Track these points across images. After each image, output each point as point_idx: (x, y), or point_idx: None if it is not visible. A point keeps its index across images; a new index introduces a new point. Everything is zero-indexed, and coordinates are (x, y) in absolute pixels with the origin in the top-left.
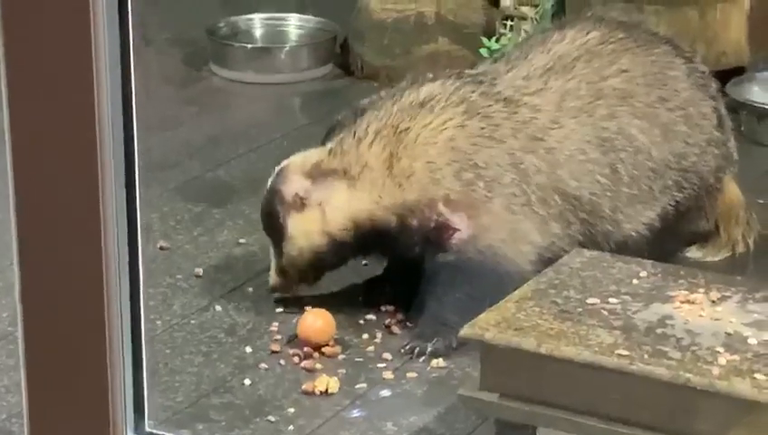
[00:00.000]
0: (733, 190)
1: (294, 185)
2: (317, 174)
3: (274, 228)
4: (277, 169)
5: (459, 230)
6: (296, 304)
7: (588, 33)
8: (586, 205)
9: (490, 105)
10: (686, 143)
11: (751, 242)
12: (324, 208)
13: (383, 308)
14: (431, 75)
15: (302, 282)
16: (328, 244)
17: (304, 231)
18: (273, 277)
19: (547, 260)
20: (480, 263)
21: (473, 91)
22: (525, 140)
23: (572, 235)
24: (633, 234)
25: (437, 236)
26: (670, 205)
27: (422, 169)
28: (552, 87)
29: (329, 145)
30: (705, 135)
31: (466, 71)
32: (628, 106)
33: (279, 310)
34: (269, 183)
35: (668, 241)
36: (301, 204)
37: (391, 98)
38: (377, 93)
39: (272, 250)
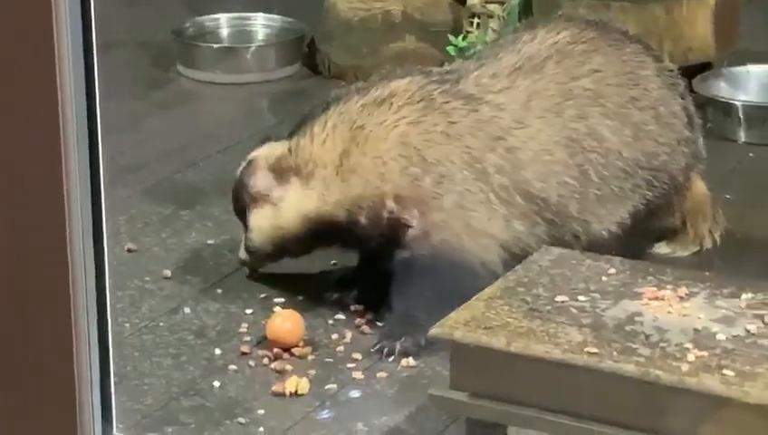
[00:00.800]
0: (700, 187)
1: (258, 180)
2: (278, 170)
3: (241, 214)
4: (247, 158)
5: (412, 227)
6: (266, 281)
7: (558, 33)
8: (553, 206)
9: (449, 102)
10: (656, 142)
11: (717, 237)
12: (281, 205)
13: (353, 308)
14: (399, 71)
15: (269, 261)
16: (285, 238)
17: (261, 226)
18: (242, 253)
19: (514, 257)
20: (439, 258)
21: (436, 89)
22: (485, 138)
23: (539, 235)
24: (604, 233)
25: (391, 232)
26: (641, 203)
27: (368, 165)
28: (520, 86)
29: (289, 142)
30: (676, 134)
31: (437, 69)
32: (599, 106)
33: (249, 311)
34: (238, 171)
35: (638, 238)
36: (261, 199)
37: (358, 93)
38: (347, 87)
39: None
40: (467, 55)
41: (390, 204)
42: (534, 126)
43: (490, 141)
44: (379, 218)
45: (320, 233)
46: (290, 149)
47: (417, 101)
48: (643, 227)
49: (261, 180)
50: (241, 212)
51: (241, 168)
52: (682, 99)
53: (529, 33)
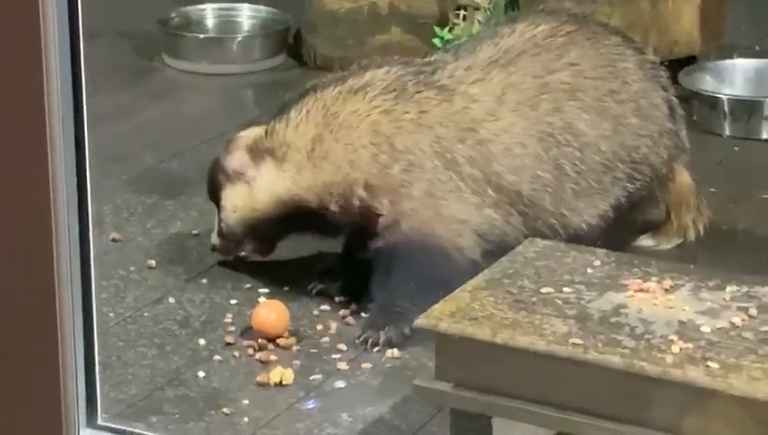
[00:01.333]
0: (684, 177)
1: (235, 160)
2: (254, 151)
3: (215, 195)
4: (228, 139)
5: (382, 215)
6: (251, 271)
7: (537, 27)
8: (526, 199)
9: (421, 91)
10: (637, 135)
11: (701, 228)
12: (254, 185)
13: (337, 299)
14: (379, 61)
15: (239, 248)
16: (258, 219)
17: (234, 205)
18: (214, 237)
19: (491, 244)
20: (412, 245)
21: (410, 80)
22: (455, 129)
23: (514, 224)
24: (583, 226)
25: (363, 220)
26: (622, 196)
27: (339, 151)
28: (494, 79)
29: (270, 124)
30: (657, 126)
31: (417, 59)
32: (576, 100)
33: (233, 302)
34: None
35: (621, 231)
36: (236, 178)
37: (335, 81)
38: (325, 77)
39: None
40: (448, 48)
41: (360, 192)
42: (507, 119)
43: (460, 132)
44: (349, 206)
45: (291, 217)
46: (266, 132)
47: (390, 91)
48: (626, 220)
49: (237, 159)
50: (214, 193)
51: (220, 148)
52: (664, 90)
53: (509, 26)
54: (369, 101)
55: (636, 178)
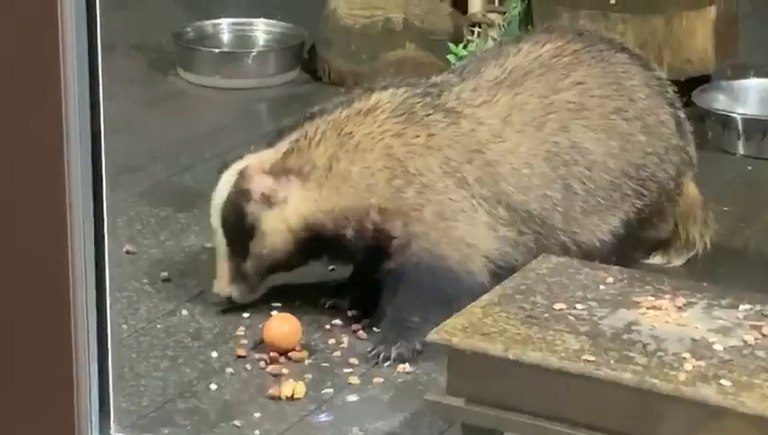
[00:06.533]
0: (691, 191)
1: (260, 183)
2: (277, 172)
3: (239, 230)
4: (236, 169)
5: (396, 238)
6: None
7: (542, 46)
8: (536, 218)
9: (429, 114)
10: (644, 152)
11: (708, 241)
12: (286, 207)
13: (349, 313)
14: (384, 83)
15: (258, 289)
16: (294, 241)
17: (274, 228)
18: (222, 286)
19: (501, 269)
20: (423, 267)
21: (418, 102)
22: (463, 151)
23: (525, 243)
24: (595, 243)
25: (376, 243)
26: (632, 212)
27: (358, 174)
28: (500, 100)
29: (282, 146)
30: (664, 142)
31: (421, 81)
32: (582, 119)
33: (246, 315)
34: (228, 185)
35: (632, 247)
36: (268, 201)
37: (341, 104)
38: (330, 100)
39: (223, 259)
40: (454, 67)
41: (375, 215)
42: (513, 140)
43: (468, 154)
44: (363, 229)
45: (313, 241)
46: (286, 152)
47: (400, 114)
48: (636, 236)
49: (262, 183)
50: (237, 231)
51: (225, 185)
52: (671, 106)
53: (514, 46)
54: (380, 124)
55: (644, 194)
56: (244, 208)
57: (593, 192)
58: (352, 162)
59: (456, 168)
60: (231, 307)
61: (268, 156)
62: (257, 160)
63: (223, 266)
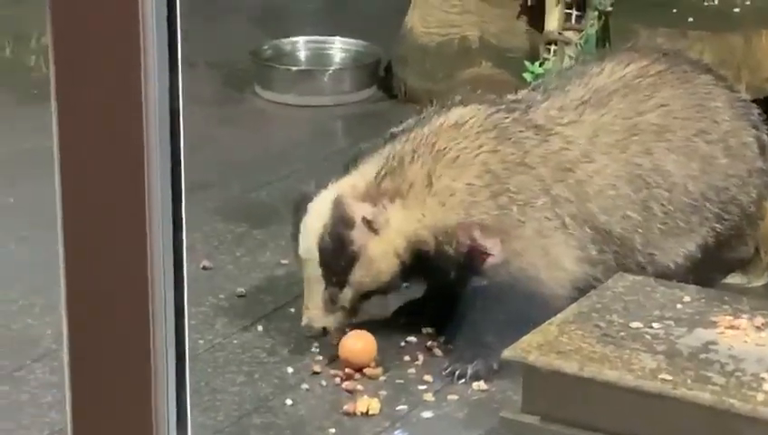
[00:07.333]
0: None
1: (359, 209)
2: (373, 196)
3: (340, 259)
4: (326, 199)
5: (492, 255)
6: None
7: (626, 67)
8: (617, 238)
9: (521, 131)
10: (726, 175)
11: None
12: (390, 227)
13: (424, 330)
14: (459, 99)
15: (353, 315)
16: (399, 263)
17: (382, 252)
18: (319, 318)
19: (582, 287)
20: (515, 286)
21: (506, 118)
22: (555, 169)
23: (607, 262)
24: (671, 265)
25: (471, 260)
26: (710, 236)
27: (463, 190)
28: (586, 120)
29: (368, 169)
30: (746, 166)
31: (498, 98)
32: (665, 141)
33: None
34: (322, 215)
35: (711, 269)
36: (371, 226)
37: (421, 121)
38: (406, 120)
39: (316, 290)
40: (533, 86)
41: (476, 233)
42: (600, 161)
43: (559, 172)
44: (461, 247)
45: (414, 261)
46: (377, 175)
47: (490, 129)
48: (715, 259)
49: (361, 209)
50: (338, 259)
51: (316, 216)
52: (755, 129)
53: (597, 65)
54: (473, 139)
55: (724, 218)
56: (347, 237)
57: (672, 214)
58: (454, 178)
59: (550, 186)
60: (319, 334)
61: (357, 181)
62: (348, 187)
63: (316, 297)
